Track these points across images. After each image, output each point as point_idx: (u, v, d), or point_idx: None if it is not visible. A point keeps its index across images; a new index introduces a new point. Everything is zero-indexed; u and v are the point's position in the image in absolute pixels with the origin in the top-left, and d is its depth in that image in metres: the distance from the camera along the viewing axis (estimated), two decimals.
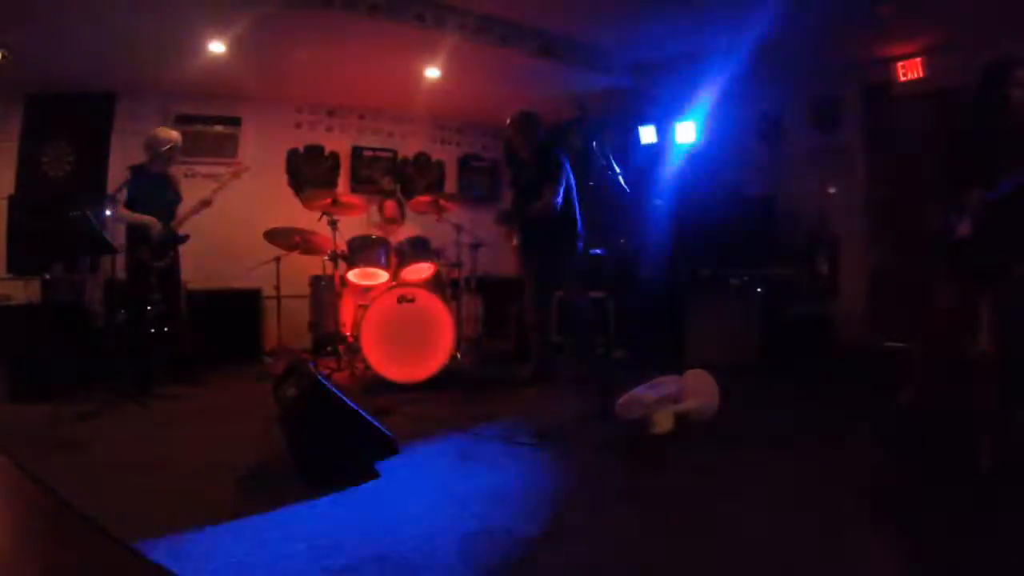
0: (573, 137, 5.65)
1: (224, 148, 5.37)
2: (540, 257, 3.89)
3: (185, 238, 3.96)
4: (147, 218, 3.74)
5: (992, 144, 2.33)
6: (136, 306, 3.75)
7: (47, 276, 4.38)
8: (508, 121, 3.91)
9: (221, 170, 4.35)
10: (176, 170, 4.13)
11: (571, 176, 3.83)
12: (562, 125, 5.77)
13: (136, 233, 3.76)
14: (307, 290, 4.94)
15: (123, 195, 3.70)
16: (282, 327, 4.56)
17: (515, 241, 4.03)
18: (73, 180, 4.90)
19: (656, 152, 5.23)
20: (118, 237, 3.88)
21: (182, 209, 3.95)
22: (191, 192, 4.07)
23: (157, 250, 3.77)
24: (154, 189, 3.84)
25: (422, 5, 3.97)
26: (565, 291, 4.15)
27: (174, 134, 3.96)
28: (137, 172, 3.78)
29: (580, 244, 3.88)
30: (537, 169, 3.79)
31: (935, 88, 4.12)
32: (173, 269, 3.93)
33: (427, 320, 3.89)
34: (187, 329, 4.28)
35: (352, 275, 4.23)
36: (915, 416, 2.69)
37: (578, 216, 3.88)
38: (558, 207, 3.67)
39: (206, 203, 3.91)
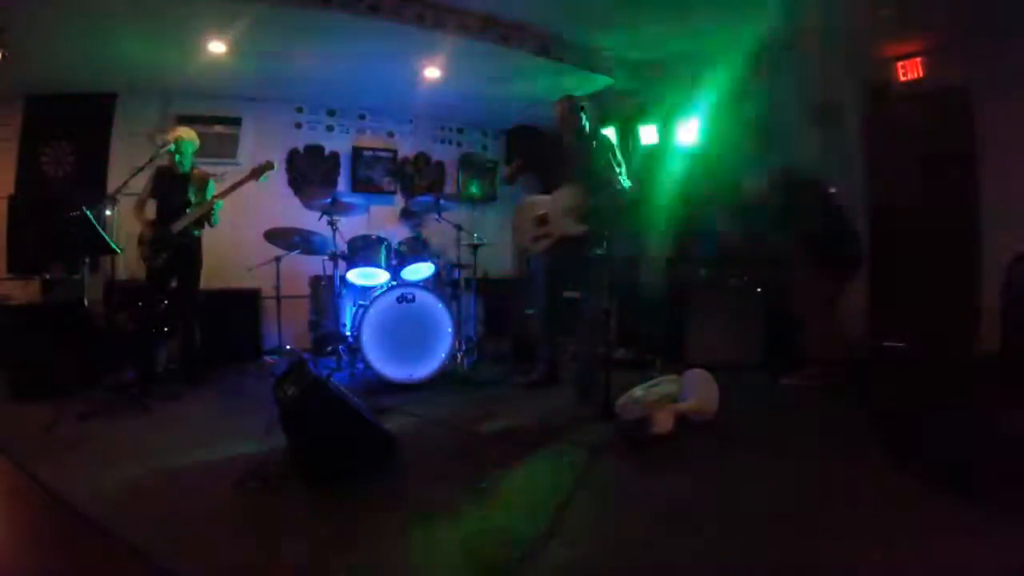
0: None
1: (224, 148, 5.36)
2: (573, 254, 3.58)
3: (182, 237, 3.82)
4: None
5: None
6: (143, 306, 3.77)
7: (47, 276, 4.38)
8: (561, 105, 3.69)
9: (221, 170, 4.33)
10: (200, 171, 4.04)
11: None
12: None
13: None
14: (307, 290, 4.93)
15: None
16: (282, 327, 4.56)
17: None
18: (73, 180, 4.89)
19: (656, 152, 5.22)
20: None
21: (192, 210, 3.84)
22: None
23: (152, 250, 3.78)
24: (172, 189, 3.90)
25: (422, 5, 3.97)
26: (588, 292, 3.65)
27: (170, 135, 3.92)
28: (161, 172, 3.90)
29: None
30: (589, 155, 3.54)
31: (935, 88, 4.12)
32: (182, 269, 3.88)
33: (427, 320, 3.89)
34: (198, 328, 4.09)
35: (352, 275, 4.23)
36: (912, 416, 2.71)
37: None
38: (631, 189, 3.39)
39: (214, 199, 3.85)
